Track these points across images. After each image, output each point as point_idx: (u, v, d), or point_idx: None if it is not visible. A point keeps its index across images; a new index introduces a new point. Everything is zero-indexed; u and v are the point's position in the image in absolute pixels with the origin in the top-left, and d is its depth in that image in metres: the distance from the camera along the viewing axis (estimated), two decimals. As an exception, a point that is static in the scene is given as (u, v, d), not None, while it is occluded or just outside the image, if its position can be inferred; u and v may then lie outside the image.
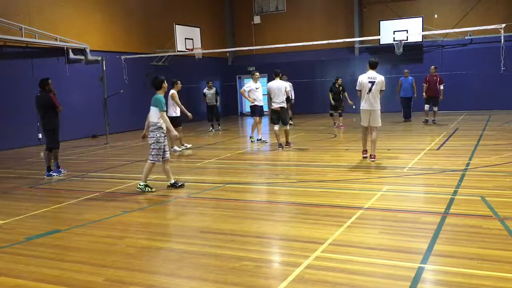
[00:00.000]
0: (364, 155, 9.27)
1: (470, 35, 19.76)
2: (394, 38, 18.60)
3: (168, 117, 11.64)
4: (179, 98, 11.69)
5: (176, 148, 11.77)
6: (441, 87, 15.02)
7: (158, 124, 7.21)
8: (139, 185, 7.31)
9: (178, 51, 18.64)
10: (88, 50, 16.33)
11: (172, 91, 11.55)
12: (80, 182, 8.63)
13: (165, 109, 7.20)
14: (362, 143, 9.39)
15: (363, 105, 9.04)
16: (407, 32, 19.24)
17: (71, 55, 15.86)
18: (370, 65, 9.05)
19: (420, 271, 3.83)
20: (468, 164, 8.22)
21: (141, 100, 18.72)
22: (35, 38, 14.55)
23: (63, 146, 9.62)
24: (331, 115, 15.82)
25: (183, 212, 6.35)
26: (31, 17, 14.60)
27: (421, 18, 19.58)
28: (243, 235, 5.00)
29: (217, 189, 7.33)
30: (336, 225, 5.10)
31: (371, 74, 8.92)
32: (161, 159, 7.32)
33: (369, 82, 8.86)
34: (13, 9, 14.13)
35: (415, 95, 16.41)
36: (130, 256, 4.51)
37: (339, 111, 15.50)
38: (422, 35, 19.29)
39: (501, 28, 12.65)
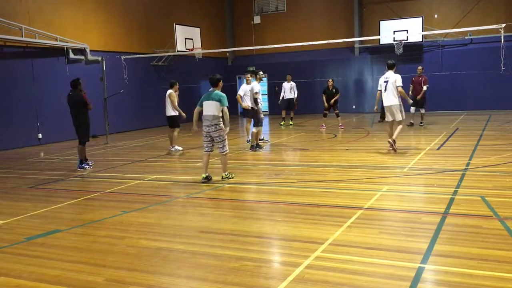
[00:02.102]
0: (390, 147, 10.05)
1: (470, 35, 19.74)
2: (394, 38, 18.58)
3: (168, 116, 11.80)
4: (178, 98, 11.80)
5: (177, 147, 11.79)
6: (424, 87, 14.70)
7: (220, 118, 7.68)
8: (224, 174, 7.90)
9: (178, 51, 18.64)
10: (88, 50, 16.33)
11: (171, 91, 11.65)
12: (80, 182, 8.65)
13: (228, 104, 7.66)
14: (388, 134, 10.27)
15: (384, 102, 10.11)
16: (407, 32, 19.21)
17: (71, 55, 15.84)
18: (387, 66, 10.24)
19: (420, 271, 3.83)
20: (468, 164, 8.22)
21: (141, 100, 18.82)
22: (35, 38, 14.54)
23: (62, 146, 9.63)
24: (325, 115, 15.88)
25: (183, 212, 6.35)
26: (31, 17, 14.60)
27: (421, 18, 19.56)
28: (243, 235, 5.01)
29: (217, 189, 7.33)
30: (336, 225, 5.10)
31: (387, 74, 10.10)
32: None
33: (384, 81, 10.07)
34: (13, 9, 14.12)
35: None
36: (130, 256, 4.51)
37: (336, 111, 15.56)
38: (422, 35, 19.26)
39: (501, 28, 12.63)
